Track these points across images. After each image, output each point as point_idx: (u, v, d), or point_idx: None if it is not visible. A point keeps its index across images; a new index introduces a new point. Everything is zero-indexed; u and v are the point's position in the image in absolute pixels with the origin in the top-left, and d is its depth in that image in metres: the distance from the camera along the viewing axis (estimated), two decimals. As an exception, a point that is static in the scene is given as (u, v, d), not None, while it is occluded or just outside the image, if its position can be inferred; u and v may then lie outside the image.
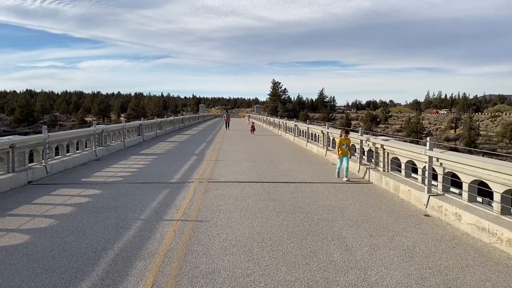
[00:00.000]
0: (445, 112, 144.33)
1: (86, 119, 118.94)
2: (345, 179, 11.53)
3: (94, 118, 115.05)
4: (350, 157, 11.94)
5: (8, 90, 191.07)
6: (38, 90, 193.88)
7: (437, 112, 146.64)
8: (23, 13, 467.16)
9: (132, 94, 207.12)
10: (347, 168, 11.72)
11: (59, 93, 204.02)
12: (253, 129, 34.88)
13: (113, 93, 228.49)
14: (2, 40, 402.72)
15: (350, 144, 12.20)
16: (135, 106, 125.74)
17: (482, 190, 7.44)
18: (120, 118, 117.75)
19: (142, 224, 7.08)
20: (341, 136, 12.25)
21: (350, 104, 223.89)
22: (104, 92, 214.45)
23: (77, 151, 15.49)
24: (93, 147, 16.64)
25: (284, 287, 4.68)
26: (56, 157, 13.61)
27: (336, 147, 12.30)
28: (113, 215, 7.69)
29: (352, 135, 15.00)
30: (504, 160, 7.88)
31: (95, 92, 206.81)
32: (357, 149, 13.42)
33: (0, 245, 5.99)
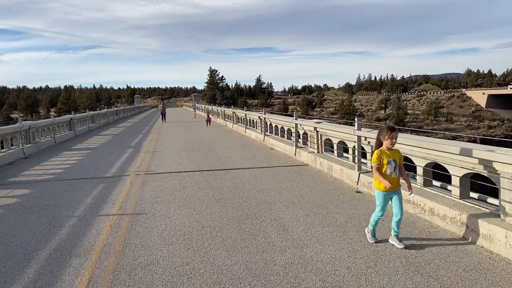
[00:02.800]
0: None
1: (12, 116, 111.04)
2: (399, 245, 5.38)
3: (21, 114, 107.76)
4: (411, 191, 5.65)
5: None
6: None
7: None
8: None
9: (62, 87, 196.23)
10: (399, 220, 5.47)
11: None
12: (209, 120, 30.77)
13: (40, 87, 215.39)
14: None
15: (402, 161, 5.78)
16: (65, 100, 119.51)
17: (406, 165, 7.96)
18: (50, 113, 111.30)
19: (77, 221, 6.84)
20: (382, 140, 5.62)
21: (287, 89, 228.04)
22: (30, 87, 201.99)
23: (2, 150, 14.50)
24: (20, 144, 15.65)
25: (224, 271, 4.77)
26: (-23, 158, 12.66)
27: (374, 168, 5.52)
28: (45, 214, 7.34)
29: (287, 119, 15.37)
30: (428, 136, 8.47)
31: (21, 87, 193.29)
32: (292, 133, 13.77)
33: None
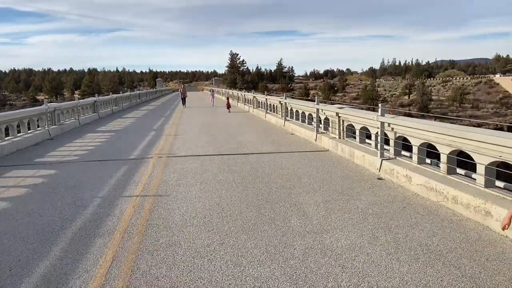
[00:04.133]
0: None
1: (37, 97, 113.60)
2: None
3: (47, 96, 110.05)
4: None
5: None
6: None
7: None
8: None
9: (86, 70, 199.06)
10: None
11: (7, 71, 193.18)
12: (228, 105, 29.00)
13: (65, 70, 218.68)
14: None
15: None
16: (89, 83, 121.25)
17: (431, 152, 7.85)
18: (74, 95, 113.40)
19: (101, 202, 7.02)
20: None
21: (308, 74, 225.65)
22: (55, 69, 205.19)
23: (29, 131, 14.88)
24: (46, 126, 16.03)
25: (243, 254, 4.83)
26: (6, 138, 13.03)
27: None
28: (70, 194, 7.55)
29: (308, 104, 15.27)
30: (454, 123, 8.30)
31: (46, 69, 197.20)
32: (314, 118, 13.67)
33: (-50, 231, 5.78)
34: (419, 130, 7.60)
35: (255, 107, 26.75)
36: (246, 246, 5.06)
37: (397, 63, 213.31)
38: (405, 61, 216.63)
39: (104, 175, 9.00)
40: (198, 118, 23.53)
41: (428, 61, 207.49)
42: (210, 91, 39.26)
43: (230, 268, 4.49)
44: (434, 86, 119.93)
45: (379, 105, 8.87)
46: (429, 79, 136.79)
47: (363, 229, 5.59)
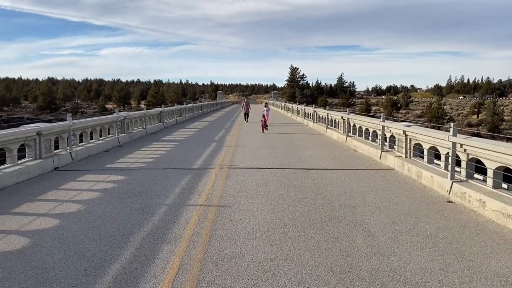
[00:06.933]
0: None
1: (106, 106, 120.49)
2: None
3: (115, 105, 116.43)
4: None
5: (31, 78, 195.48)
6: (59, 78, 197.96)
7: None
8: (44, 2, 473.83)
9: (152, 81, 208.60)
10: None
11: (80, 80, 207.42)
12: (265, 125, 23.17)
13: (133, 80, 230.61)
14: (26, 28, 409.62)
15: None
16: (154, 93, 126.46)
17: (508, 177, 7.33)
18: (140, 105, 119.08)
19: (167, 209, 7.24)
20: None
21: (370, 89, 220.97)
22: (124, 80, 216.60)
23: (101, 138, 15.80)
24: (116, 134, 16.94)
25: (308, 272, 4.75)
26: (80, 144, 13.92)
27: None
28: (138, 200, 7.87)
29: (373, 120, 14.89)
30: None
31: (115, 80, 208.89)
32: (378, 135, 13.30)
33: (32, 229, 6.22)
34: (496, 153, 7.14)
35: (315, 121, 26.55)
36: (310, 263, 4.97)
37: (465, 81, 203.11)
38: (475, 78, 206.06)
39: (169, 183, 9.31)
40: (258, 131, 23.73)
41: (500, 79, 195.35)
42: (264, 105, 29.24)
43: (294, 284, 4.43)
44: (507, 105, 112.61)
45: (451, 124, 8.47)
46: (501, 98, 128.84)
47: (433, 254, 5.31)
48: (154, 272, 4.71)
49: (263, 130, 22.75)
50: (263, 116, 23.82)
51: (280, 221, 6.62)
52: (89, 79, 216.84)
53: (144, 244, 5.59)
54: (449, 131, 8.41)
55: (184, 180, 9.64)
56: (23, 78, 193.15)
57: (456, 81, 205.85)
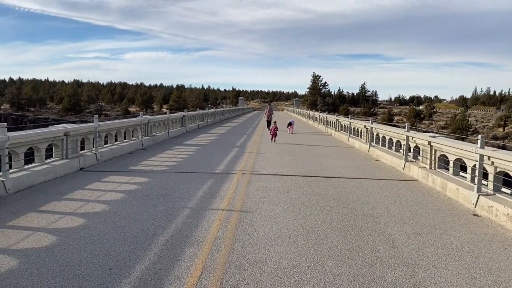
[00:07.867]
0: None
1: (129, 109, 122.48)
2: None
3: (138, 109, 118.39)
4: None
5: (57, 80, 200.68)
6: (84, 81, 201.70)
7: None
8: (71, 6, 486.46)
9: (174, 86, 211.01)
10: None
11: (104, 83, 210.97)
12: (274, 134, 21.56)
13: (155, 85, 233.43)
14: (52, 31, 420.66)
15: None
16: (177, 98, 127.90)
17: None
18: (163, 109, 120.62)
19: (190, 212, 7.31)
20: None
21: (392, 99, 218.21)
22: (147, 84, 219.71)
23: (125, 140, 16.06)
24: (140, 136, 17.21)
25: (331, 280, 4.72)
26: (105, 146, 14.19)
27: None
28: (162, 202, 7.97)
29: (397, 130, 14.72)
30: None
31: (139, 83, 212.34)
32: (402, 145, 13.14)
33: (59, 227, 6.37)
34: None
35: (337, 129, 26.41)
36: (333, 272, 4.94)
37: (491, 92, 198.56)
38: (501, 90, 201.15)
39: (192, 187, 9.39)
40: (279, 137, 23.71)
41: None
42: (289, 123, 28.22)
43: (317, 292, 4.41)
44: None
45: (479, 136, 8.31)
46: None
47: (459, 268, 5.21)
48: (178, 274, 4.76)
49: (272, 138, 21.33)
50: (276, 126, 21.93)
51: (303, 228, 6.60)
52: (113, 82, 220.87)
53: (167, 246, 5.65)
54: (476, 143, 8.25)
55: (206, 185, 9.71)
56: (49, 79, 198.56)
57: (482, 93, 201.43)
